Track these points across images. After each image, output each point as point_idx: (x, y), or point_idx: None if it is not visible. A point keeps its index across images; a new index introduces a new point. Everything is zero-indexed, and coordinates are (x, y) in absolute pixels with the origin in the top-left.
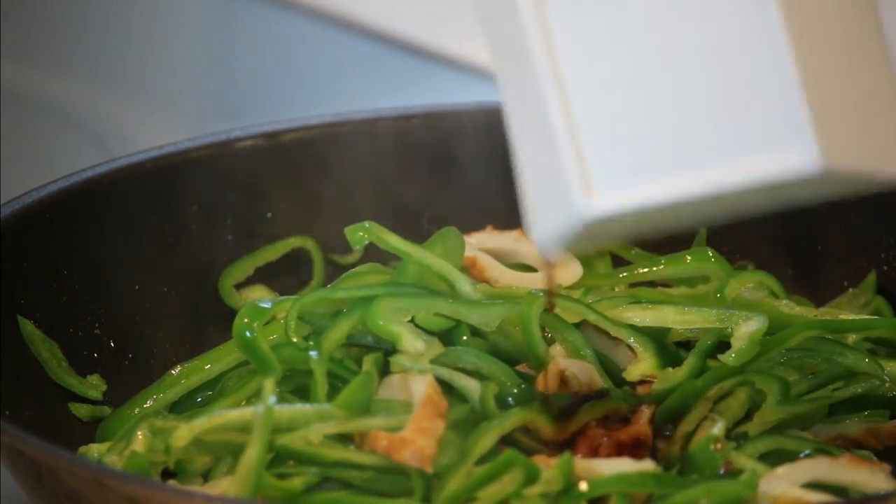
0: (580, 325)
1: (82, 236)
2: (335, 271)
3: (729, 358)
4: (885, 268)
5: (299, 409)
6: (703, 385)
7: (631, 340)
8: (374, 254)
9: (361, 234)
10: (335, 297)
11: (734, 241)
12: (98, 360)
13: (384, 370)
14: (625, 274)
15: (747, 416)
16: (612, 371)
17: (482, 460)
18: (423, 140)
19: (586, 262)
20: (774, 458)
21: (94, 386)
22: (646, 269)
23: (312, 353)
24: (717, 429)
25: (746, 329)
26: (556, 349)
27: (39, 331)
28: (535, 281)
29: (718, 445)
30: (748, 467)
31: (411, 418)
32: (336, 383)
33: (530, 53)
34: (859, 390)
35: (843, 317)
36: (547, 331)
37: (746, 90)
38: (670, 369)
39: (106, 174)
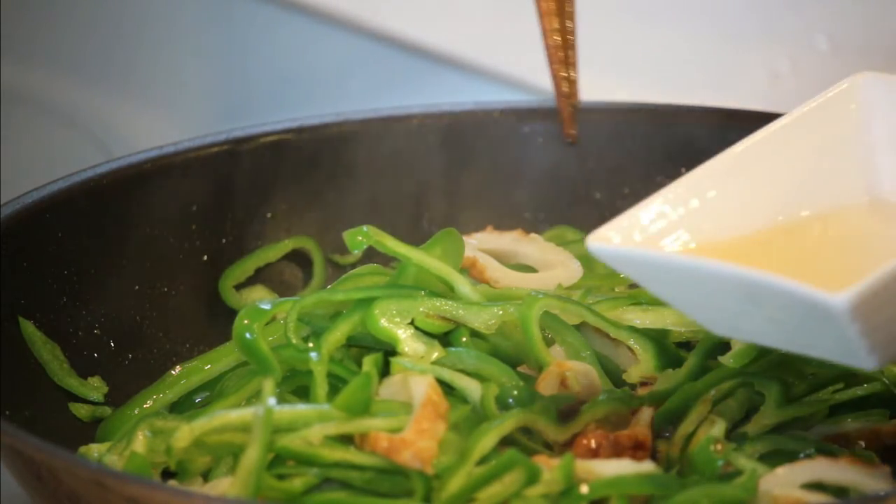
0: (580, 326)
1: (82, 236)
2: (335, 271)
3: (728, 360)
4: None
5: (299, 409)
6: (702, 387)
7: (631, 342)
8: (374, 254)
9: (360, 238)
10: (335, 299)
11: None
12: (98, 360)
13: (384, 371)
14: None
15: (747, 416)
16: (612, 372)
17: (483, 461)
18: (423, 140)
19: (586, 262)
20: (775, 459)
21: (96, 388)
22: None
23: (312, 355)
24: (717, 430)
25: None
26: (557, 350)
27: (40, 332)
28: (535, 281)
29: (718, 447)
30: (748, 468)
31: (412, 419)
32: (337, 384)
33: None
34: (859, 392)
35: None
36: (547, 331)
37: None
38: (670, 370)
39: (106, 174)
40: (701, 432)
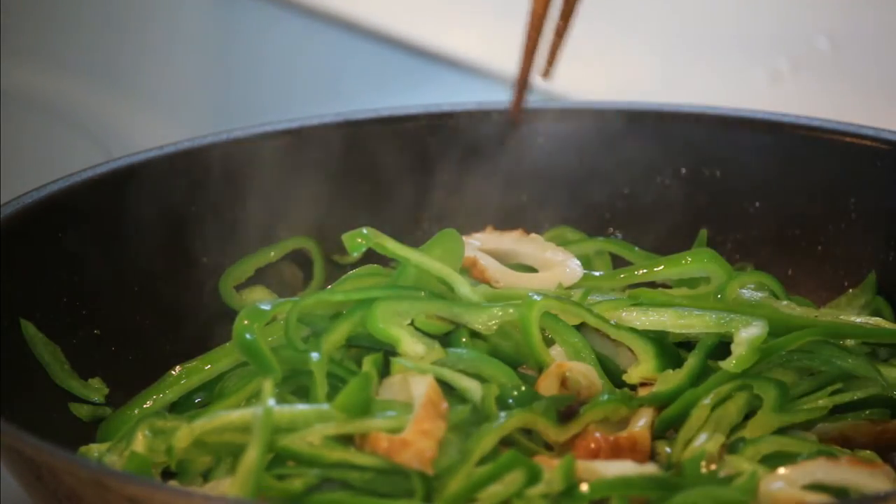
0: (580, 326)
1: (82, 236)
2: (335, 271)
3: (730, 364)
4: (885, 268)
5: (299, 410)
6: (703, 392)
7: (631, 343)
8: (373, 254)
9: (360, 240)
10: (335, 300)
11: (734, 242)
12: (98, 360)
13: (385, 371)
14: (624, 275)
15: (747, 417)
16: (612, 372)
17: (483, 461)
18: (423, 140)
19: (586, 262)
20: (776, 459)
21: (97, 390)
22: (645, 271)
23: (312, 355)
24: (711, 445)
25: (747, 335)
26: (557, 350)
27: (41, 333)
28: (535, 281)
29: (713, 466)
30: (748, 470)
31: (412, 420)
32: (337, 384)
33: None
34: (859, 394)
35: (843, 318)
36: (547, 332)
37: None
38: (670, 371)
39: (106, 174)
40: (697, 441)
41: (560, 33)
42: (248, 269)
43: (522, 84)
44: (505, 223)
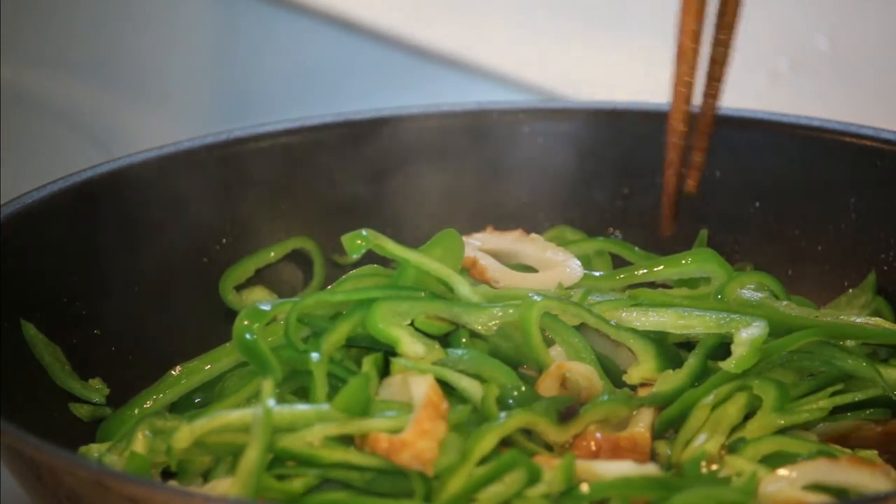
0: (580, 326)
1: (82, 236)
2: (335, 272)
3: (730, 365)
4: (885, 268)
5: (299, 410)
6: (704, 393)
7: (631, 343)
8: (374, 254)
9: (359, 241)
10: (335, 300)
11: (734, 242)
12: (98, 360)
13: (385, 371)
14: (624, 275)
15: (748, 418)
16: (612, 373)
17: (483, 462)
18: (422, 140)
19: (586, 262)
20: (776, 459)
21: (97, 390)
22: (645, 271)
23: (313, 355)
24: (711, 445)
25: (747, 336)
26: (557, 351)
27: (41, 334)
28: (535, 281)
29: (713, 467)
30: (748, 471)
31: (412, 420)
32: (337, 384)
33: None
34: (859, 395)
35: (843, 318)
36: (547, 332)
37: None
38: (670, 371)
39: (106, 174)
40: (697, 442)
41: (717, 77)
42: (248, 269)
43: (671, 202)
44: (505, 223)
